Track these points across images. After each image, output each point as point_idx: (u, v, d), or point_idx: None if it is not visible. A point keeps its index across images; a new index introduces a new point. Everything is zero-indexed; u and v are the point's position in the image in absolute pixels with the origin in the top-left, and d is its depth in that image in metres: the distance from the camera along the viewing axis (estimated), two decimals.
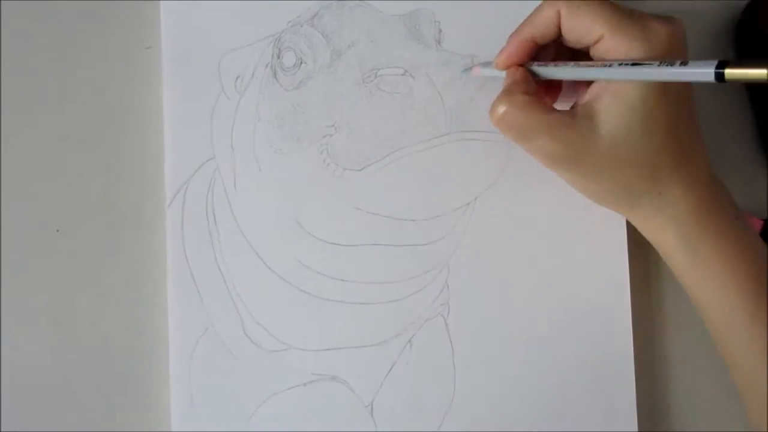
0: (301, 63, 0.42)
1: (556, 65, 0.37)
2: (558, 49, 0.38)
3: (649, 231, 0.39)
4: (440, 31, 0.42)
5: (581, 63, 0.36)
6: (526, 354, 0.41)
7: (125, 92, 0.43)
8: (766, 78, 0.28)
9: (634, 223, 0.39)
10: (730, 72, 0.29)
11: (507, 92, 0.36)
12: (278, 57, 0.42)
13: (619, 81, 0.35)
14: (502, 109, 0.36)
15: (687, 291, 0.38)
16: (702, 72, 0.30)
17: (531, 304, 0.41)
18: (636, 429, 0.41)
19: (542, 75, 0.37)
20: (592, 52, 0.36)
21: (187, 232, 0.41)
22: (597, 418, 0.41)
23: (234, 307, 0.41)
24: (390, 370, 0.41)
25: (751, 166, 0.44)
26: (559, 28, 0.36)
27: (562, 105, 0.38)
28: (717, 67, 0.30)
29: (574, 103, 0.37)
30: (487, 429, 0.41)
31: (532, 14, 0.37)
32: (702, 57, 0.44)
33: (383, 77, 0.42)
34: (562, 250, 0.41)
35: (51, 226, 0.42)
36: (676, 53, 0.35)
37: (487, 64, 0.39)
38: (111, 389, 0.42)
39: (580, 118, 0.35)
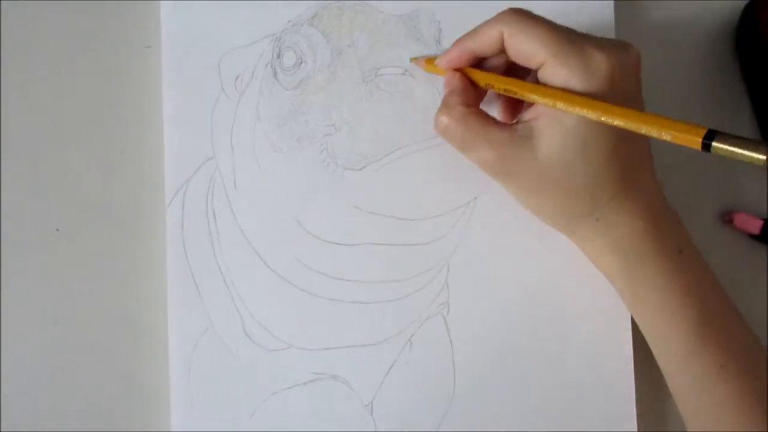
0: (301, 62, 0.42)
1: (499, 78, 0.37)
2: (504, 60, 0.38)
3: (589, 253, 0.38)
4: (440, 30, 0.42)
5: (522, 83, 0.35)
6: (525, 353, 0.41)
7: (125, 92, 0.43)
8: (764, 163, 0.27)
9: (576, 244, 0.39)
10: (718, 146, 0.29)
11: (446, 104, 0.37)
12: (278, 56, 0.42)
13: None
14: (443, 120, 0.36)
15: None
16: (687, 138, 0.30)
17: (530, 303, 0.41)
18: (636, 429, 0.41)
19: (479, 82, 0.37)
20: (539, 75, 0.35)
21: (187, 232, 0.41)
22: (597, 419, 0.41)
23: (234, 307, 0.41)
24: (390, 369, 0.41)
25: (751, 166, 0.44)
26: (503, 47, 0.36)
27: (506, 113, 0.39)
28: (705, 138, 0.29)
29: (518, 118, 0.37)
30: (487, 429, 0.41)
31: (477, 28, 0.37)
32: (703, 57, 0.44)
33: (383, 77, 0.42)
34: (561, 249, 0.41)
35: (51, 226, 0.42)
36: (618, 87, 0.34)
37: (431, 60, 0.39)
38: (111, 389, 0.42)
39: (519, 136, 0.35)
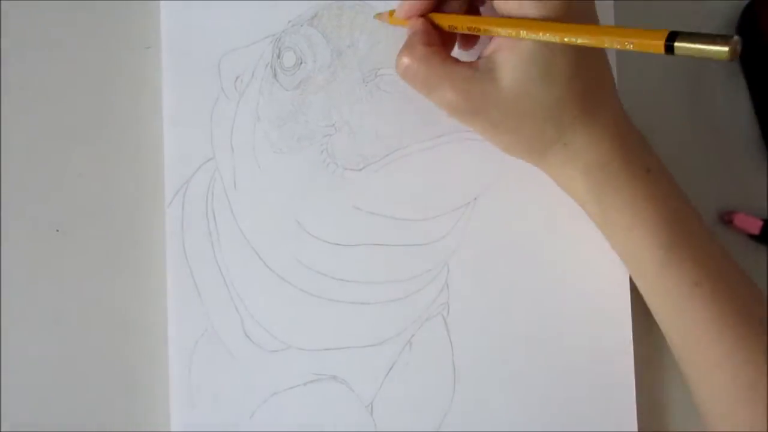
0: (301, 63, 0.42)
1: (459, 17, 0.37)
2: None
3: (560, 181, 0.38)
4: None
5: (483, 18, 0.35)
6: (525, 354, 0.41)
7: (125, 92, 0.43)
8: (727, 56, 0.27)
9: (547, 173, 0.39)
10: (680, 46, 0.28)
11: (408, 45, 0.36)
12: (278, 57, 0.42)
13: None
14: (404, 61, 0.36)
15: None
16: (650, 43, 0.29)
17: (531, 303, 0.41)
18: (636, 429, 0.41)
19: (442, 25, 0.37)
20: (495, 6, 0.36)
21: (187, 232, 0.41)
22: (597, 418, 0.41)
23: (234, 307, 0.41)
24: (390, 370, 0.41)
25: (751, 166, 0.44)
26: None
27: (469, 56, 0.38)
28: (667, 40, 0.28)
29: (479, 55, 0.37)
30: (487, 429, 0.41)
31: None
32: (702, 58, 0.44)
33: (383, 77, 0.41)
34: (561, 249, 0.41)
35: (51, 226, 0.42)
36: (573, 4, 0.34)
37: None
38: (111, 389, 0.42)
39: (481, 71, 0.35)
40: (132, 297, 0.42)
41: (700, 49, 0.27)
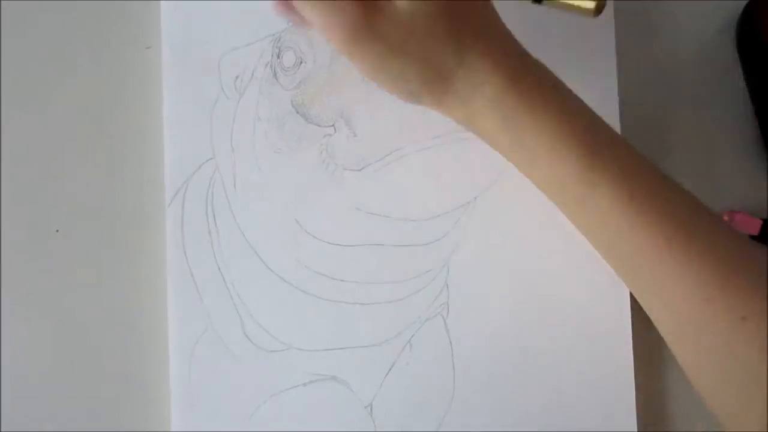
0: (301, 63, 0.42)
1: None
2: None
3: (468, 119, 0.36)
4: None
5: None
6: (525, 354, 0.41)
7: (125, 92, 0.43)
8: (592, 8, 0.26)
9: (452, 115, 0.36)
10: None
11: None
12: (278, 57, 0.42)
13: None
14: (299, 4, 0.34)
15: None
16: None
17: (530, 304, 0.41)
18: (636, 429, 0.41)
19: None
20: None
21: (187, 232, 0.41)
22: (597, 419, 0.41)
23: (234, 307, 0.41)
24: (389, 370, 0.41)
25: (751, 166, 0.44)
26: None
27: None
28: None
29: None
30: (487, 429, 0.41)
31: None
32: (703, 57, 0.44)
33: None
34: (561, 249, 0.41)
35: (51, 226, 0.42)
36: None
37: None
38: (111, 389, 0.42)
39: None
40: (132, 297, 0.42)
41: (565, 3, 0.27)
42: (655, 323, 0.36)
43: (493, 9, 0.36)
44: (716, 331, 0.33)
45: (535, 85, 0.35)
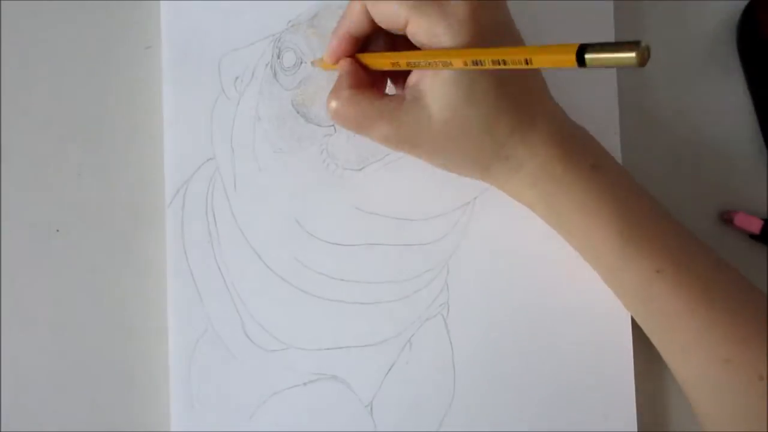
0: (301, 63, 0.42)
1: (380, 55, 0.37)
2: (393, 37, 0.38)
3: (510, 192, 0.38)
4: None
5: (404, 53, 0.35)
6: (525, 354, 0.41)
7: (125, 92, 0.43)
8: (635, 62, 0.26)
9: (495, 187, 0.39)
10: (591, 57, 0.27)
11: (334, 88, 0.37)
12: (278, 57, 0.42)
13: None
14: (333, 105, 0.37)
15: None
16: (562, 59, 0.28)
17: (530, 303, 0.41)
18: (636, 429, 0.41)
19: (368, 65, 0.37)
20: (408, 35, 0.35)
21: (187, 232, 0.41)
22: (597, 418, 0.41)
23: (234, 307, 0.41)
24: (390, 370, 0.41)
25: (751, 166, 0.44)
26: (372, 19, 0.36)
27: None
28: (578, 53, 0.27)
29: (405, 86, 0.37)
30: (487, 429, 0.41)
31: (345, 10, 0.37)
32: (703, 57, 0.44)
33: None
34: (560, 249, 0.41)
35: (51, 226, 0.42)
36: (484, 21, 0.34)
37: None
38: (111, 389, 0.42)
39: (409, 102, 0.36)
40: (132, 297, 0.42)
41: (609, 58, 0.27)
42: (674, 374, 0.39)
43: (535, 89, 0.37)
44: (735, 389, 0.35)
45: (571, 167, 0.36)
